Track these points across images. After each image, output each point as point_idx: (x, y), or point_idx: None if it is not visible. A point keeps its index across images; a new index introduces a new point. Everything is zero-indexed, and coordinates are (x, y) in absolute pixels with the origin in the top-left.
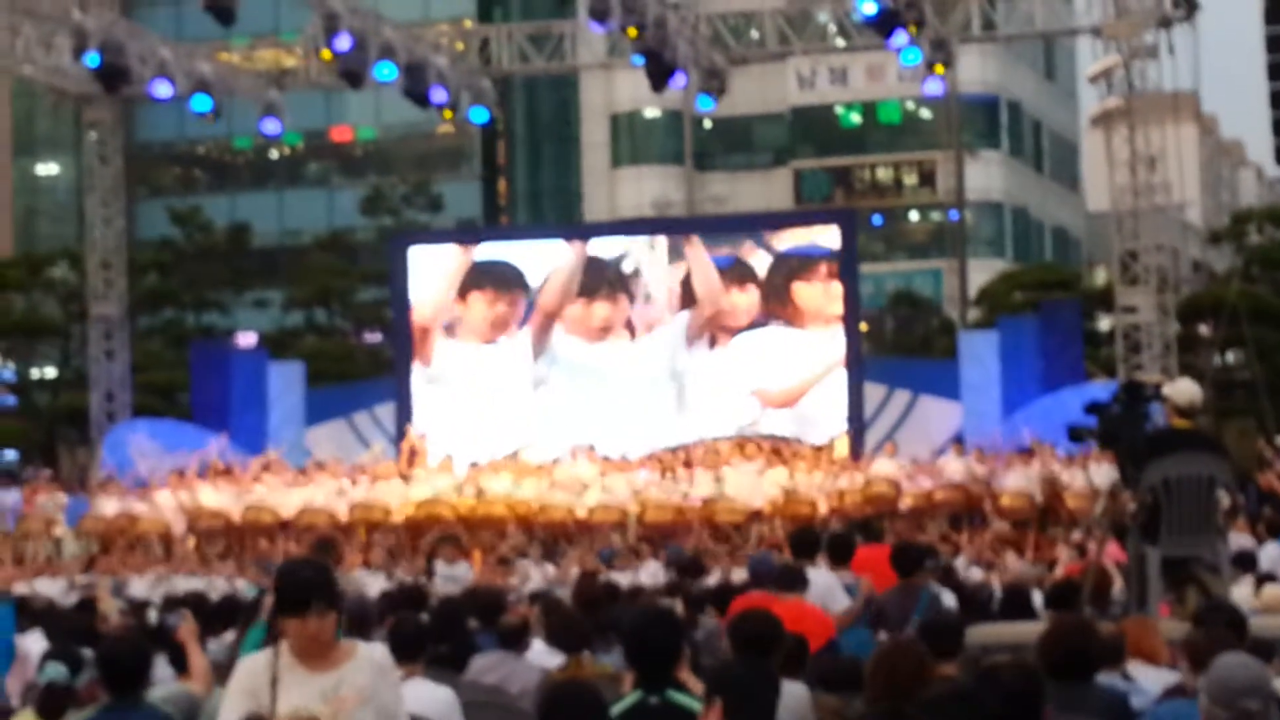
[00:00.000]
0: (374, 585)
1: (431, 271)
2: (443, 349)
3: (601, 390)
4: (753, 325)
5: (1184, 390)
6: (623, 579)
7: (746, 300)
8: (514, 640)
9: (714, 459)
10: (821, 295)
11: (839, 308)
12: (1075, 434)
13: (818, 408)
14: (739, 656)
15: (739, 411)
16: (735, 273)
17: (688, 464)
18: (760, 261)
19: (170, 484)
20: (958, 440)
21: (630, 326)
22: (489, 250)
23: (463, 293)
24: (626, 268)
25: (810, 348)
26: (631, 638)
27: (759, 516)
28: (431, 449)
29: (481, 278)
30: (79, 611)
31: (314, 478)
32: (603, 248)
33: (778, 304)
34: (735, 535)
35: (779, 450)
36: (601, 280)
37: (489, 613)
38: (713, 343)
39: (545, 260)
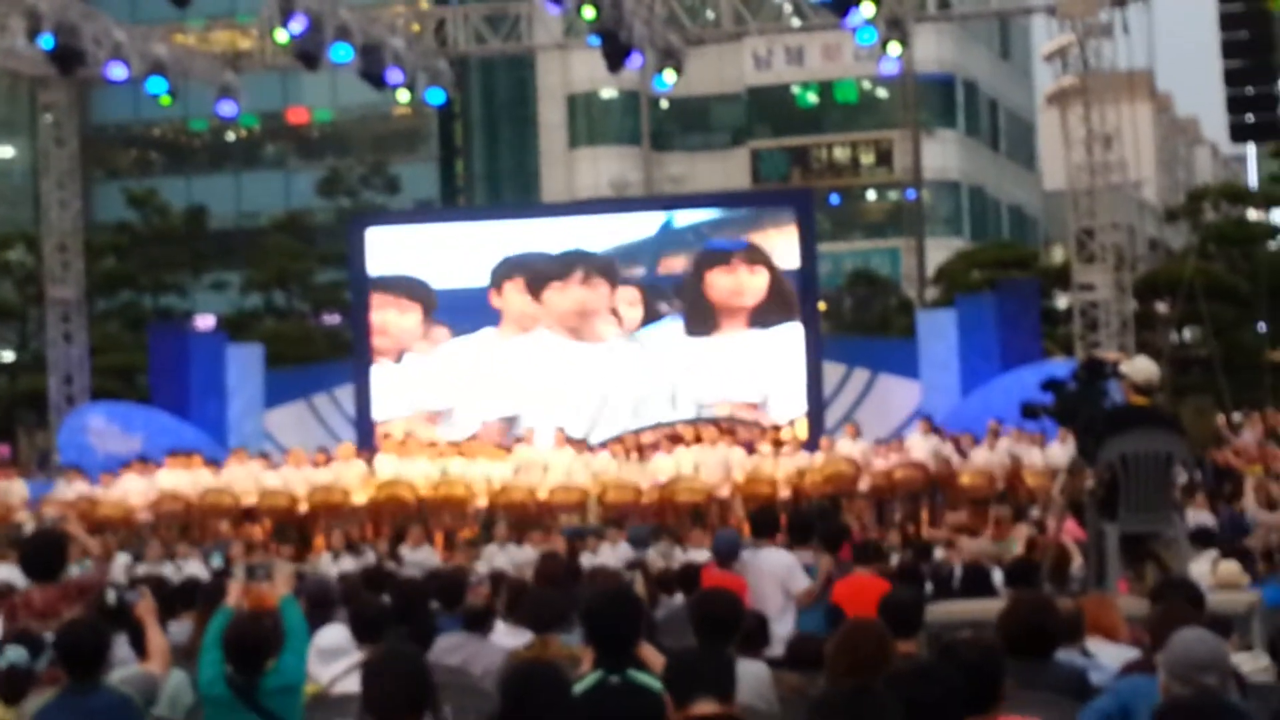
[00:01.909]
0: (334, 568)
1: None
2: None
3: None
4: (762, 309)
5: (1142, 368)
6: (587, 559)
7: (756, 282)
8: (478, 623)
9: (666, 443)
10: (735, 287)
11: (750, 300)
12: (1028, 410)
13: (777, 387)
14: (698, 637)
15: (698, 395)
16: (747, 255)
17: (640, 448)
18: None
19: (137, 469)
20: (925, 417)
21: (616, 314)
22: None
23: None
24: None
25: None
26: (591, 617)
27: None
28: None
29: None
30: (47, 533)
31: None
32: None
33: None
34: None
35: (732, 431)
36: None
37: (450, 594)
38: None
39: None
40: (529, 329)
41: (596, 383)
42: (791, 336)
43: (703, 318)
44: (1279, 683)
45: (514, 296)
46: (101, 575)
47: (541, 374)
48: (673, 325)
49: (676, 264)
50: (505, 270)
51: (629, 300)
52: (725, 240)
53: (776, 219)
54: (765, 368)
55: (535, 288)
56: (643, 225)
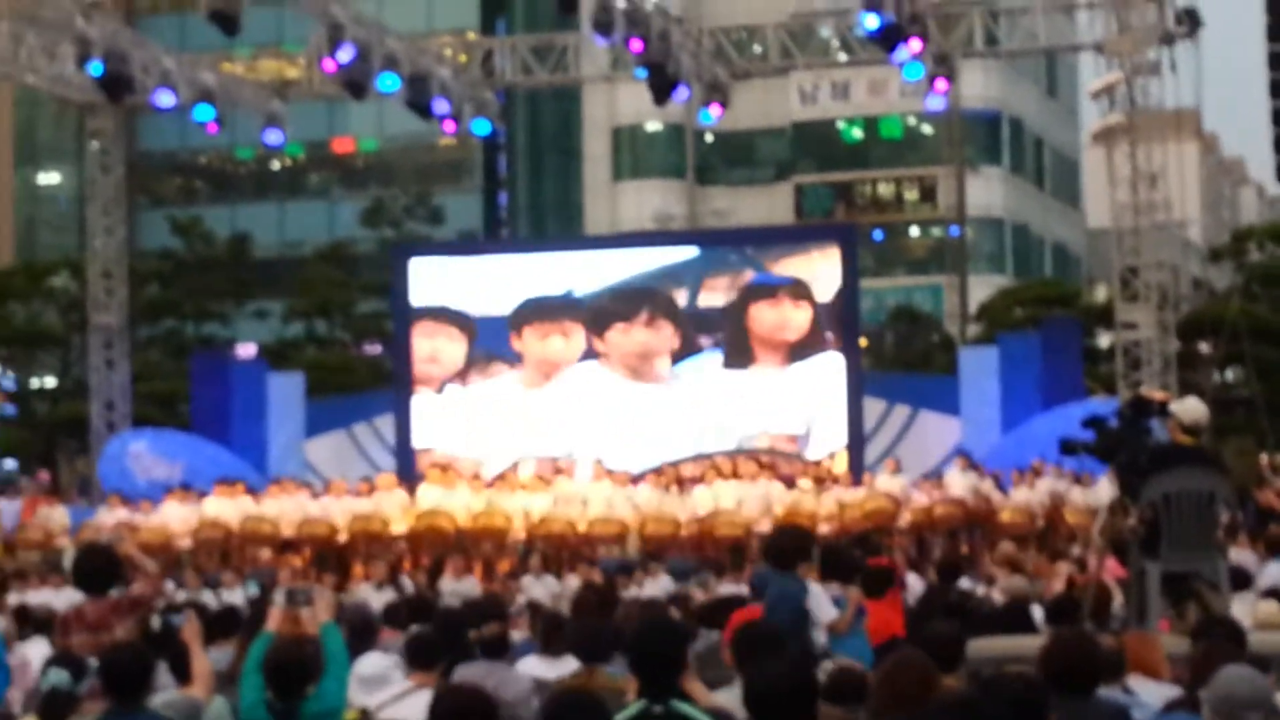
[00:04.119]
0: (375, 598)
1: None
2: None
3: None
4: (803, 344)
5: (1191, 409)
6: (629, 592)
7: (800, 317)
8: (497, 650)
9: (710, 474)
10: (779, 321)
11: (792, 335)
12: (1067, 447)
13: (817, 422)
14: (740, 671)
15: (741, 426)
16: (793, 290)
17: (680, 480)
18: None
19: (179, 496)
20: (962, 453)
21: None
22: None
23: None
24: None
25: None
26: (636, 647)
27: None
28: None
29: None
30: (100, 548)
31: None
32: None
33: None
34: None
35: (773, 465)
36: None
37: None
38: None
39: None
40: (550, 375)
41: (638, 419)
42: (833, 369)
43: (741, 351)
44: None
45: (533, 342)
46: (155, 592)
47: (592, 412)
48: (711, 358)
49: (720, 285)
50: (524, 314)
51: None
52: (772, 275)
53: (822, 244)
54: (807, 400)
55: (598, 328)
56: (686, 248)
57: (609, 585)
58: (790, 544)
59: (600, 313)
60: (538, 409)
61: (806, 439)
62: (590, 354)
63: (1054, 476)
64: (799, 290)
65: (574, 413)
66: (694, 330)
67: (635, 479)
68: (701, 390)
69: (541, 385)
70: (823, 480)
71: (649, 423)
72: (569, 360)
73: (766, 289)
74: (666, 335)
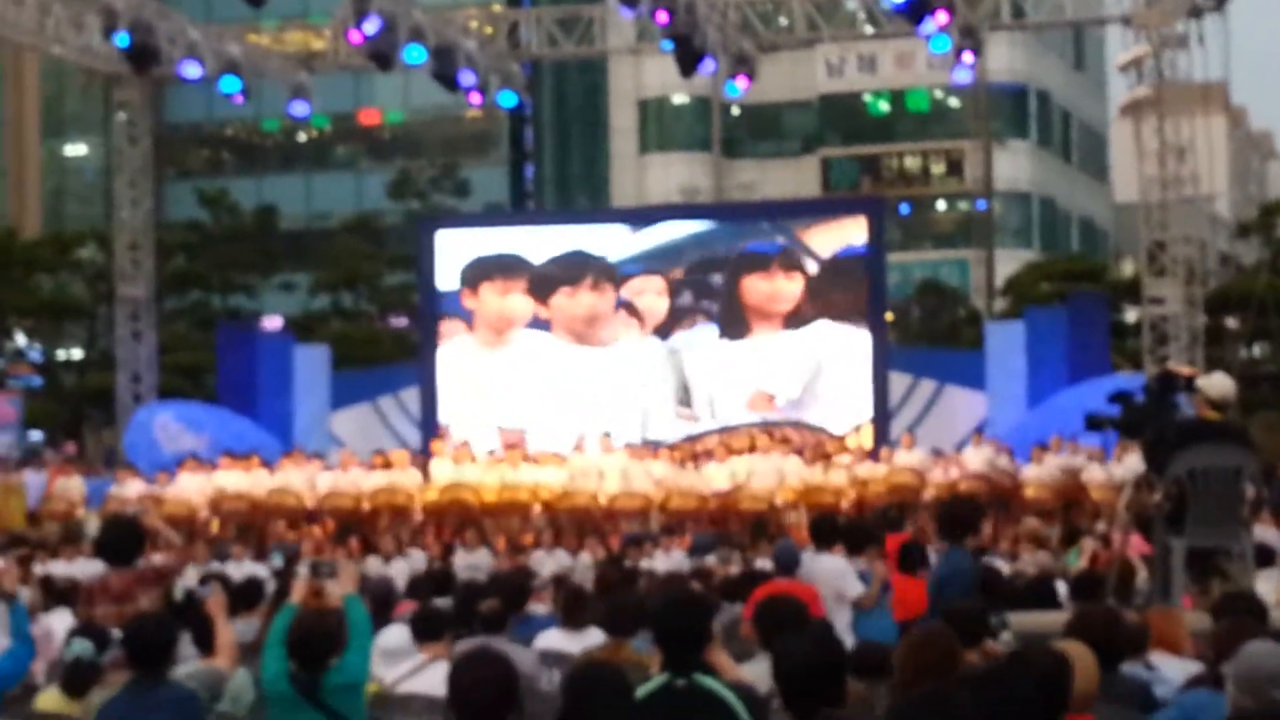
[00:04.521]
0: (396, 570)
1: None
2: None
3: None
4: (797, 314)
5: (1218, 384)
6: (645, 564)
7: (791, 288)
8: (495, 625)
9: (724, 451)
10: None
11: (785, 306)
12: (1093, 422)
13: (842, 396)
14: (763, 645)
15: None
16: (784, 260)
17: (696, 456)
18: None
19: (191, 467)
20: (978, 430)
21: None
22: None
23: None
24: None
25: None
26: (660, 620)
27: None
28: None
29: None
30: (125, 520)
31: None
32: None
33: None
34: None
35: (788, 439)
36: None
37: (513, 597)
38: (747, 330)
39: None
40: (504, 332)
41: (616, 386)
42: (828, 336)
43: (736, 322)
44: None
45: (490, 298)
46: (179, 564)
47: (552, 379)
48: (706, 330)
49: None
50: (480, 271)
51: (656, 290)
52: (764, 244)
53: (852, 215)
54: (796, 367)
55: (541, 293)
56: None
57: (619, 557)
58: (961, 515)
59: (544, 278)
60: (490, 375)
61: (797, 404)
62: (537, 321)
63: (1070, 453)
64: (790, 260)
65: (526, 380)
66: (691, 298)
67: (654, 450)
68: (697, 358)
69: (495, 345)
70: (828, 456)
71: (623, 390)
72: (527, 317)
73: (759, 259)
74: (610, 299)
